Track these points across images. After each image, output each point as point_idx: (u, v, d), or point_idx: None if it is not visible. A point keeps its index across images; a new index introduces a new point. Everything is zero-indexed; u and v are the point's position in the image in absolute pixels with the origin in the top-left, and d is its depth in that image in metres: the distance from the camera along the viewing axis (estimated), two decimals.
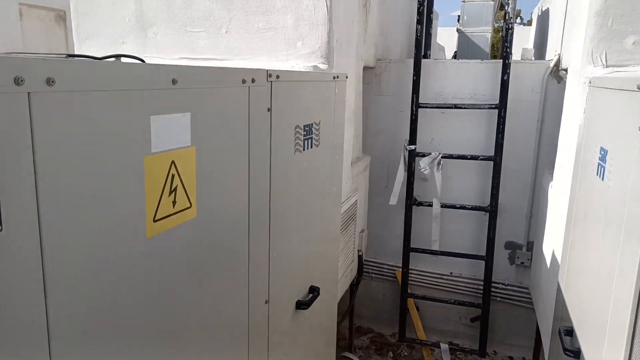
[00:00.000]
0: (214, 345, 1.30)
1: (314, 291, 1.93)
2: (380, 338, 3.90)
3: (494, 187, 3.29)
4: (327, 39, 2.45)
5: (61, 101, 0.78)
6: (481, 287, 3.45)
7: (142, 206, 0.98)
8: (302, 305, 1.84)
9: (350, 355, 3.58)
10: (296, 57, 2.52)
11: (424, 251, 3.54)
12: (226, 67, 1.24)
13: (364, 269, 3.59)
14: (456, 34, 7.44)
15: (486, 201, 3.38)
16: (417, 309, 3.74)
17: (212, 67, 1.19)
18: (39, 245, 0.76)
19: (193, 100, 1.11)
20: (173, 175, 1.07)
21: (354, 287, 3.43)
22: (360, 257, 3.39)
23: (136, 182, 0.96)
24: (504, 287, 3.56)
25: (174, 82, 1.03)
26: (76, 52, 2.98)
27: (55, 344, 0.80)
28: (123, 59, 1.23)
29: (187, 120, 1.10)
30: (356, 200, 3.10)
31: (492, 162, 3.29)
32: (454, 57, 7.44)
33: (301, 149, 1.75)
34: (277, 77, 1.50)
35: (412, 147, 3.38)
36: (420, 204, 3.50)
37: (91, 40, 2.94)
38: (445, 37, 10.08)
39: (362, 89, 3.43)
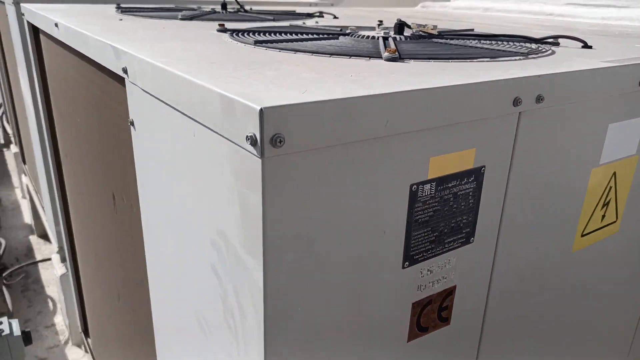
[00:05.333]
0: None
1: None
2: None
3: None
4: None
5: (544, 117, 0.75)
6: None
7: (575, 220, 0.91)
8: None
9: None
10: None
11: None
12: None
13: None
14: None
15: None
16: None
17: None
18: (494, 253, 0.80)
19: None
20: (610, 188, 0.95)
21: None
22: None
23: (577, 196, 0.89)
24: None
25: None
26: None
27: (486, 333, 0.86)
28: (561, 41, 1.12)
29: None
30: None
31: None
32: None
33: None
34: None
35: None
36: None
37: None
38: None
39: None
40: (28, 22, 1.78)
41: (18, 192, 4.89)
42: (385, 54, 0.81)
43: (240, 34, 1.07)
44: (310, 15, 1.76)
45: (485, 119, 0.68)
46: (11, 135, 4.85)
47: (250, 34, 1.08)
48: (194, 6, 1.95)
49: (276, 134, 0.49)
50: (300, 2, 3.31)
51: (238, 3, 1.85)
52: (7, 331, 2.37)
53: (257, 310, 0.56)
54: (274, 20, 1.55)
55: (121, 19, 1.37)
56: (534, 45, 1.05)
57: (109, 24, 1.25)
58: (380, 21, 1.47)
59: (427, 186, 0.65)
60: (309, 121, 0.51)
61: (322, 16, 1.77)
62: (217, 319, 0.67)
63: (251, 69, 0.68)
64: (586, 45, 1.08)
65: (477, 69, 0.75)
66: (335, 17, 1.75)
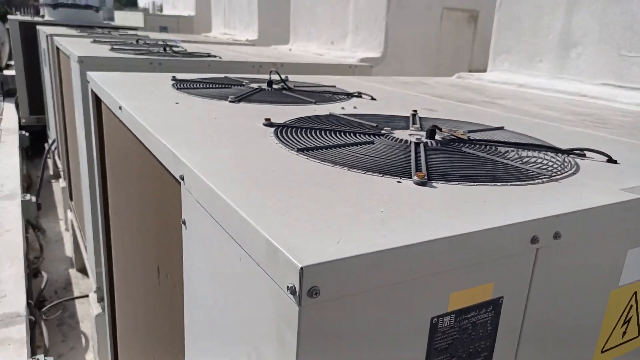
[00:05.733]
0: None
1: None
2: None
3: None
4: None
5: (562, 250, 0.81)
6: None
7: (595, 338, 0.94)
8: None
9: None
10: None
11: None
12: None
13: None
14: None
15: None
16: None
17: None
18: None
19: None
20: (631, 307, 0.98)
21: None
22: None
23: (596, 316, 0.93)
24: None
25: None
26: (488, 67, 3.10)
27: None
28: (590, 154, 1.18)
29: None
30: None
31: None
32: None
33: None
34: None
35: None
36: None
37: (506, 55, 2.99)
38: None
39: None
40: (92, 89, 1.96)
41: (62, 224, 5.14)
42: (415, 178, 0.89)
43: (284, 134, 1.18)
44: (349, 95, 1.88)
45: (504, 256, 0.74)
46: (61, 170, 5.15)
47: (293, 134, 1.18)
48: (243, 78, 2.10)
49: (313, 287, 0.57)
50: (340, 65, 3.48)
51: (281, 79, 1.99)
52: None
53: None
54: (315, 103, 1.67)
55: (177, 102, 1.51)
56: (559, 159, 1.11)
57: (167, 109, 1.39)
58: (415, 111, 1.56)
59: (447, 318, 0.71)
60: (341, 274, 0.58)
61: (361, 96, 1.88)
62: None
63: (293, 197, 0.77)
64: (611, 160, 1.13)
65: (500, 199, 0.82)
66: (372, 99, 1.85)
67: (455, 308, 0.72)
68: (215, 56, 3.20)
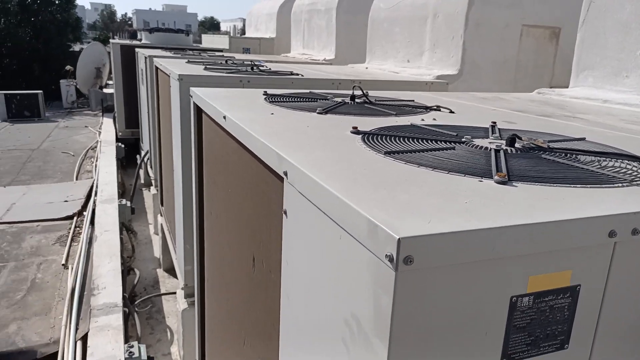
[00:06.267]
0: None
1: None
2: None
3: None
4: None
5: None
6: None
7: None
8: None
9: None
10: None
11: None
12: None
13: None
14: None
15: None
16: None
17: None
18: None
19: None
20: None
21: None
22: None
23: None
24: None
25: None
26: (571, 84, 3.05)
27: None
28: None
29: None
30: None
31: None
32: None
33: None
34: None
35: None
36: None
37: (590, 71, 2.93)
38: None
39: None
40: (194, 102, 2.21)
41: (151, 228, 5.58)
42: (496, 177, 0.97)
43: (371, 140, 1.30)
44: (427, 109, 1.97)
45: (582, 247, 0.80)
46: (152, 178, 5.63)
47: (379, 140, 1.30)
48: (326, 93, 2.26)
49: (408, 256, 0.67)
50: (416, 82, 3.57)
51: (364, 94, 2.12)
52: (136, 354, 2.74)
53: None
54: (396, 115, 1.78)
55: (272, 113, 1.69)
56: None
57: (264, 119, 1.57)
58: (494, 123, 1.62)
59: (526, 299, 0.79)
60: (432, 247, 0.69)
61: (439, 110, 1.97)
62: None
63: (386, 189, 0.88)
64: None
65: (579, 198, 0.88)
66: (451, 112, 1.93)
67: (533, 290, 0.79)
68: (297, 74, 3.41)
